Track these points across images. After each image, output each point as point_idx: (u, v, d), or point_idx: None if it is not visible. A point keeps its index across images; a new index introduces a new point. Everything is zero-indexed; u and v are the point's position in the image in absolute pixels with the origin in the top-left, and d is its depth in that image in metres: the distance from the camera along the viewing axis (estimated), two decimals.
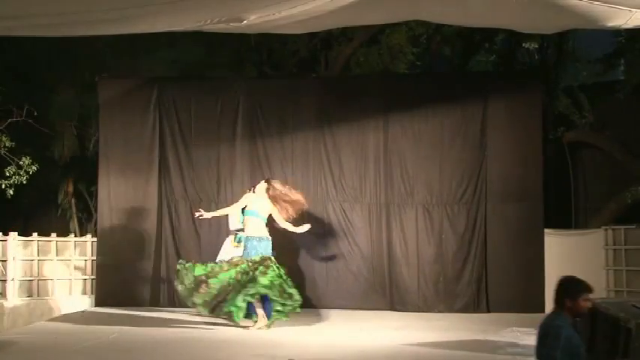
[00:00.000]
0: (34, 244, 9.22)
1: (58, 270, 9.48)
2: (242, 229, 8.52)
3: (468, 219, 9.66)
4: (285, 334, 7.64)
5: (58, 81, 11.20)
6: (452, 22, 9.21)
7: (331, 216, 9.83)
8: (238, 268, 7.77)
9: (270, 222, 8.17)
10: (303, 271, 9.59)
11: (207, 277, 7.76)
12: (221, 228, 9.23)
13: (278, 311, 7.83)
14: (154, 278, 9.81)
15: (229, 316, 7.90)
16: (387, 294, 9.69)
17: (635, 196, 10.27)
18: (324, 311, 9.14)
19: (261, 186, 8.24)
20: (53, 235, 9.58)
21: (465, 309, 9.44)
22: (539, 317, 8.98)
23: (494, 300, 9.48)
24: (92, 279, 9.86)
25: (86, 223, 11.54)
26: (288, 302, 7.78)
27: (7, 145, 9.38)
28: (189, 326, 8.19)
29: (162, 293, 9.79)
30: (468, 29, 11.42)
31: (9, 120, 9.55)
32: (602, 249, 8.62)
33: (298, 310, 7.88)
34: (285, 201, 8.16)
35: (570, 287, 4.10)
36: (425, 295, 9.61)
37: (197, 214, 8.48)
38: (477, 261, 9.58)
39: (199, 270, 7.82)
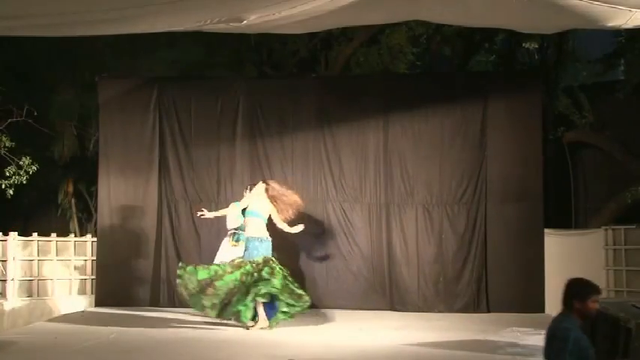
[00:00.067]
0: (34, 244, 9.22)
1: (58, 270, 9.48)
2: (239, 228, 8.54)
3: (468, 219, 9.66)
4: (285, 334, 7.65)
5: (58, 81, 11.20)
6: (452, 22, 9.21)
7: (331, 216, 9.84)
8: (242, 270, 7.77)
9: (269, 222, 8.18)
10: (303, 271, 9.59)
11: (212, 280, 7.74)
12: (221, 228, 9.21)
13: (284, 312, 7.84)
14: (153, 278, 9.81)
15: (237, 316, 7.87)
16: (387, 294, 9.69)
17: (635, 196, 10.26)
18: (324, 311, 9.14)
19: (260, 187, 8.24)
20: (53, 235, 9.58)
21: (465, 309, 9.45)
22: (539, 317, 9.05)
23: (494, 300, 9.49)
24: (92, 279, 9.86)
25: (86, 223, 11.54)
26: (298, 303, 7.82)
27: (7, 145, 9.38)
28: (189, 326, 8.18)
29: (162, 293, 9.79)
30: (468, 29, 11.42)
31: (9, 120, 9.54)
32: (602, 249, 8.61)
33: (307, 310, 7.94)
34: (283, 201, 8.18)
35: (579, 289, 4.07)
36: (425, 295, 9.61)
37: (199, 213, 8.49)
38: (477, 261, 9.59)
39: (203, 274, 7.79)
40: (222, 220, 8.83)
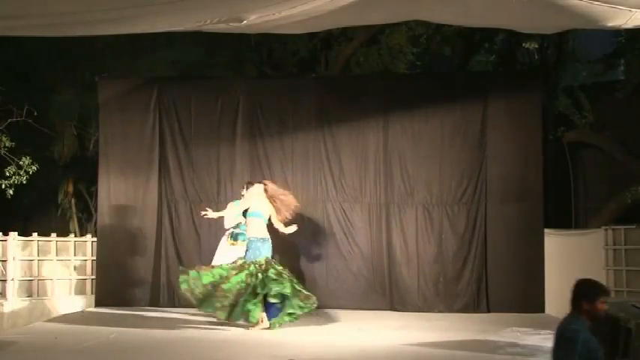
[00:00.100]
0: (34, 244, 9.21)
1: (58, 270, 9.48)
2: (237, 228, 8.55)
3: (468, 219, 9.66)
4: (285, 334, 7.65)
5: (58, 81, 11.20)
6: (452, 22, 9.20)
7: (331, 216, 9.84)
8: (247, 272, 7.79)
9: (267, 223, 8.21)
10: (303, 271, 9.59)
11: (219, 283, 7.73)
12: (220, 228, 9.20)
13: (290, 314, 7.85)
14: (153, 278, 9.81)
15: (246, 316, 7.83)
16: (387, 294, 9.69)
17: (635, 196, 10.26)
18: (324, 311, 9.13)
19: (259, 187, 8.26)
20: (53, 235, 9.57)
21: (465, 309, 9.45)
22: (539, 317, 9.05)
23: (494, 300, 9.49)
24: (92, 279, 9.85)
25: (86, 223, 11.54)
26: (307, 304, 7.85)
27: (7, 145, 9.38)
28: (189, 326, 8.18)
29: (162, 293, 9.79)
30: (468, 29, 11.42)
31: (9, 120, 9.55)
32: (602, 249, 8.60)
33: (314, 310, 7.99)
34: (281, 201, 8.23)
35: (587, 290, 4.03)
36: (425, 295, 9.61)
37: (202, 212, 8.49)
38: (477, 261, 9.59)
39: (207, 278, 7.77)
40: (221, 220, 8.83)
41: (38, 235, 9.32)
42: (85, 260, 9.87)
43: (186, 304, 9.37)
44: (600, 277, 8.54)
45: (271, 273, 7.78)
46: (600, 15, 5.60)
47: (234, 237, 8.62)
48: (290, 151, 9.96)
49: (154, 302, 9.73)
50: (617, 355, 5.02)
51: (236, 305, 7.73)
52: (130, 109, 10.10)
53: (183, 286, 7.86)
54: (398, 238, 9.71)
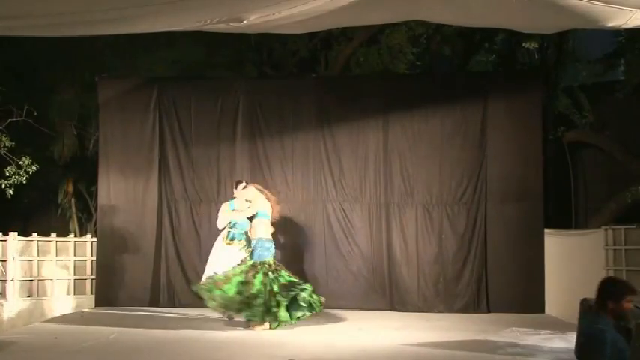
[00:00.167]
0: (34, 244, 9.21)
1: (58, 270, 9.48)
2: (234, 228, 8.57)
3: (468, 219, 9.66)
4: (285, 334, 7.65)
5: (58, 81, 11.20)
6: (452, 22, 9.20)
7: (331, 216, 9.84)
8: (261, 272, 7.84)
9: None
10: (303, 271, 9.57)
11: (246, 289, 7.73)
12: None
13: (299, 317, 7.86)
14: (153, 278, 9.81)
15: (275, 317, 7.78)
16: (387, 294, 9.69)
17: (635, 196, 10.26)
18: (324, 311, 9.12)
19: (253, 188, 8.32)
20: (53, 235, 9.57)
21: (465, 309, 9.45)
22: (539, 317, 9.04)
23: (494, 300, 9.49)
24: (92, 279, 9.85)
25: (86, 223, 11.54)
26: (317, 303, 7.88)
27: (7, 145, 9.38)
28: (189, 326, 8.18)
29: (162, 293, 9.79)
30: (468, 29, 11.42)
31: (9, 120, 9.55)
32: (602, 249, 8.60)
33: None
34: (272, 201, 8.37)
35: (613, 288, 3.99)
36: (425, 295, 9.61)
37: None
38: (477, 261, 9.59)
39: (231, 289, 7.72)
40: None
41: (38, 235, 9.32)
42: (85, 260, 9.87)
43: (186, 304, 9.41)
44: (600, 277, 8.54)
45: (283, 275, 7.88)
46: (600, 15, 5.60)
47: (231, 237, 8.63)
48: (290, 151, 9.96)
49: (154, 302, 9.73)
50: None
51: (268, 307, 7.72)
52: (130, 109, 10.10)
53: (211, 304, 7.86)
54: (398, 238, 9.71)
